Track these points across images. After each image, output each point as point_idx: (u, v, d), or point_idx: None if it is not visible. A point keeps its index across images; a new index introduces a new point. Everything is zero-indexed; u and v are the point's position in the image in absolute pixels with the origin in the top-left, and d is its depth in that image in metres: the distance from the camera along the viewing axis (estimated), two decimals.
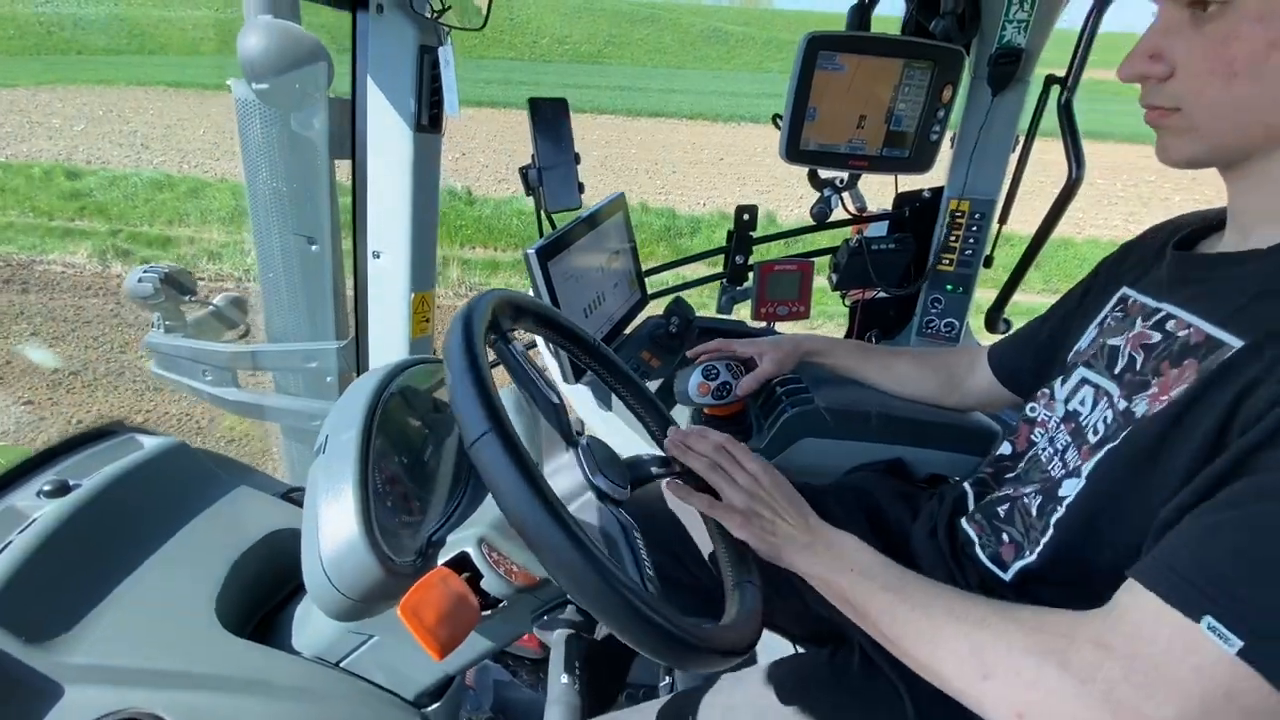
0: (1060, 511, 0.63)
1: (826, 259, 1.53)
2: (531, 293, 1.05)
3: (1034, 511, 0.66)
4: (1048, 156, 1.34)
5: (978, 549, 0.72)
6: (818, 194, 1.43)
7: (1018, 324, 1.00)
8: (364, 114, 1.14)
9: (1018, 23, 1.23)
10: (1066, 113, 1.24)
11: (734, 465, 0.69)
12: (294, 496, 0.81)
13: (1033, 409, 0.76)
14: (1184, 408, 0.54)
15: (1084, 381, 0.69)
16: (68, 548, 0.60)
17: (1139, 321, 0.65)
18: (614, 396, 1.12)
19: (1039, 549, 0.64)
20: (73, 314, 4.24)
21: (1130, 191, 9.43)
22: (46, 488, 0.64)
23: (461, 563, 0.53)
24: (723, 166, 10.47)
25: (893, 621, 0.56)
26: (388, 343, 1.30)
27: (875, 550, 0.62)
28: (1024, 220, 1.44)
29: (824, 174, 1.41)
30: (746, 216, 1.47)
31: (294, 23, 1.18)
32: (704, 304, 1.54)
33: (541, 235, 1.09)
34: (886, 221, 1.54)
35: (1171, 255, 0.67)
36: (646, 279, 1.43)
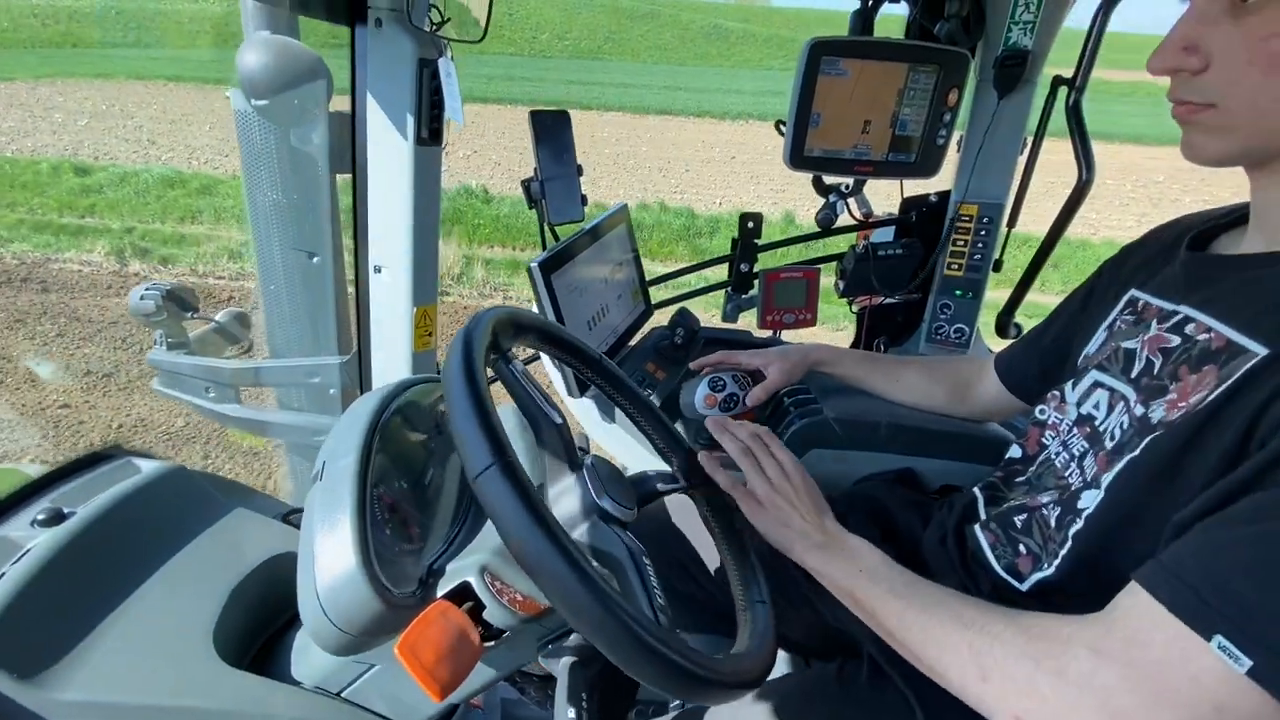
0: (1079, 524, 0.61)
1: (833, 265, 1.51)
2: (535, 307, 1.04)
3: (1053, 523, 0.65)
4: (1057, 158, 1.32)
5: (990, 558, 0.70)
6: (823, 200, 1.41)
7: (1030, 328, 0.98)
8: (364, 128, 1.13)
9: (1023, 24, 1.21)
10: (1075, 114, 1.22)
11: (765, 454, 0.72)
12: (294, 519, 0.80)
13: (1042, 411, 0.74)
14: (1205, 419, 0.52)
15: (1097, 385, 0.67)
16: (62, 579, 0.59)
17: (1155, 324, 0.63)
18: (615, 410, 1.11)
19: (1057, 561, 0.63)
20: (97, 314, 4.19)
21: (1141, 193, 9.40)
22: (41, 516, 0.63)
23: (463, 593, 0.51)
24: (735, 165, 10.46)
25: (899, 624, 0.57)
26: (390, 358, 1.28)
27: (886, 555, 0.63)
28: (1038, 222, 1.42)
29: (829, 179, 1.39)
30: (751, 224, 1.45)
31: (293, 38, 1.18)
32: (716, 310, 1.53)
33: (545, 248, 1.07)
34: (893, 227, 1.52)
35: (1186, 256, 0.65)
36: (651, 289, 1.42)
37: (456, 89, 1.02)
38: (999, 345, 1.05)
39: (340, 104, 1.15)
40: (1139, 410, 0.60)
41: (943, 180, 1.40)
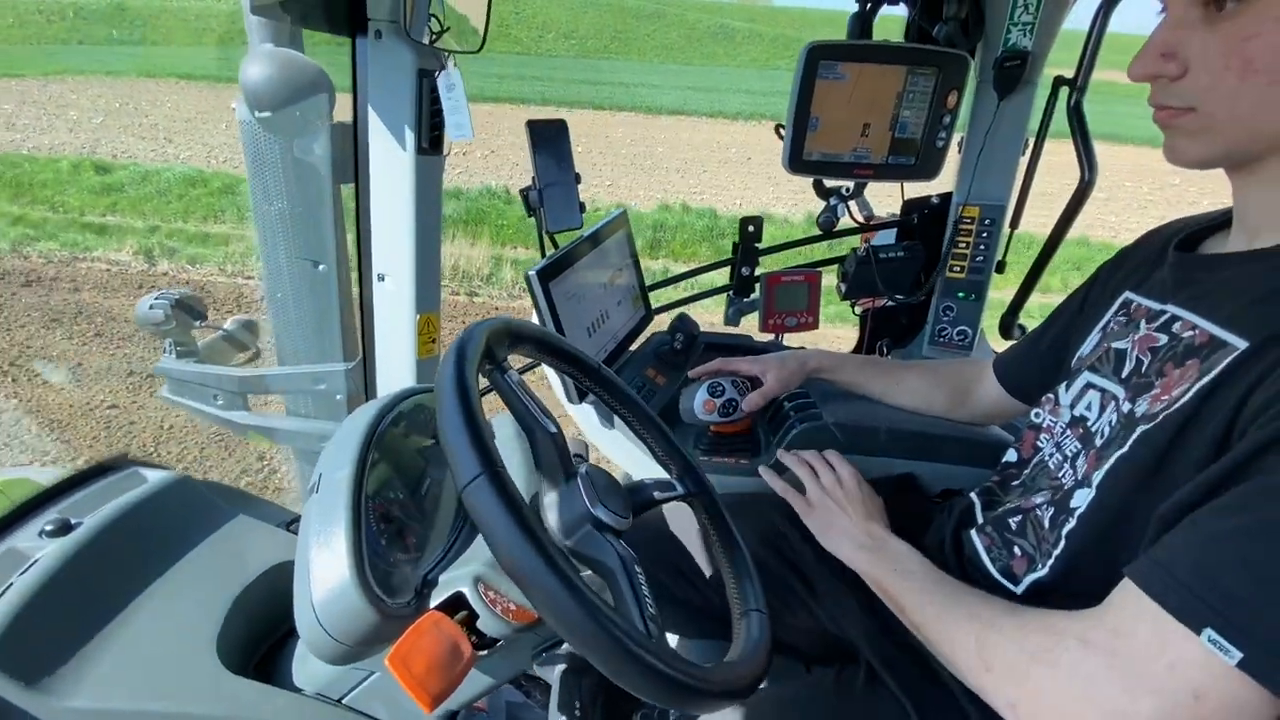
0: (1072, 523, 0.62)
1: (835, 268, 1.51)
2: (535, 315, 1.04)
3: (1046, 524, 0.65)
4: (1057, 158, 1.31)
5: (986, 561, 0.71)
6: (824, 203, 1.41)
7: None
8: (365, 138, 1.14)
9: (1023, 25, 1.20)
10: (1077, 114, 1.21)
11: (823, 466, 0.85)
12: (296, 527, 0.81)
13: (1038, 415, 0.75)
14: (1189, 414, 0.53)
15: (1089, 386, 0.68)
16: (69, 589, 0.60)
17: (1144, 324, 0.65)
18: (614, 417, 1.11)
19: (1051, 561, 0.64)
20: (132, 313, 4.22)
21: (1158, 195, 9.34)
22: (48, 527, 0.64)
23: (456, 603, 0.52)
24: (751, 166, 10.45)
25: (921, 619, 0.63)
26: (395, 364, 1.30)
27: (923, 557, 0.70)
28: (1043, 224, 1.41)
29: (830, 183, 1.39)
30: (751, 228, 1.45)
31: (297, 50, 1.19)
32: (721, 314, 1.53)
33: (544, 256, 1.08)
34: (895, 229, 1.52)
35: (1174, 256, 0.66)
36: (654, 293, 1.42)
37: (462, 103, 1.03)
38: (1003, 347, 1.05)
39: (344, 114, 1.17)
40: (1126, 407, 0.61)
41: (944, 182, 1.39)
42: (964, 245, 1.40)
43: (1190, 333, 0.58)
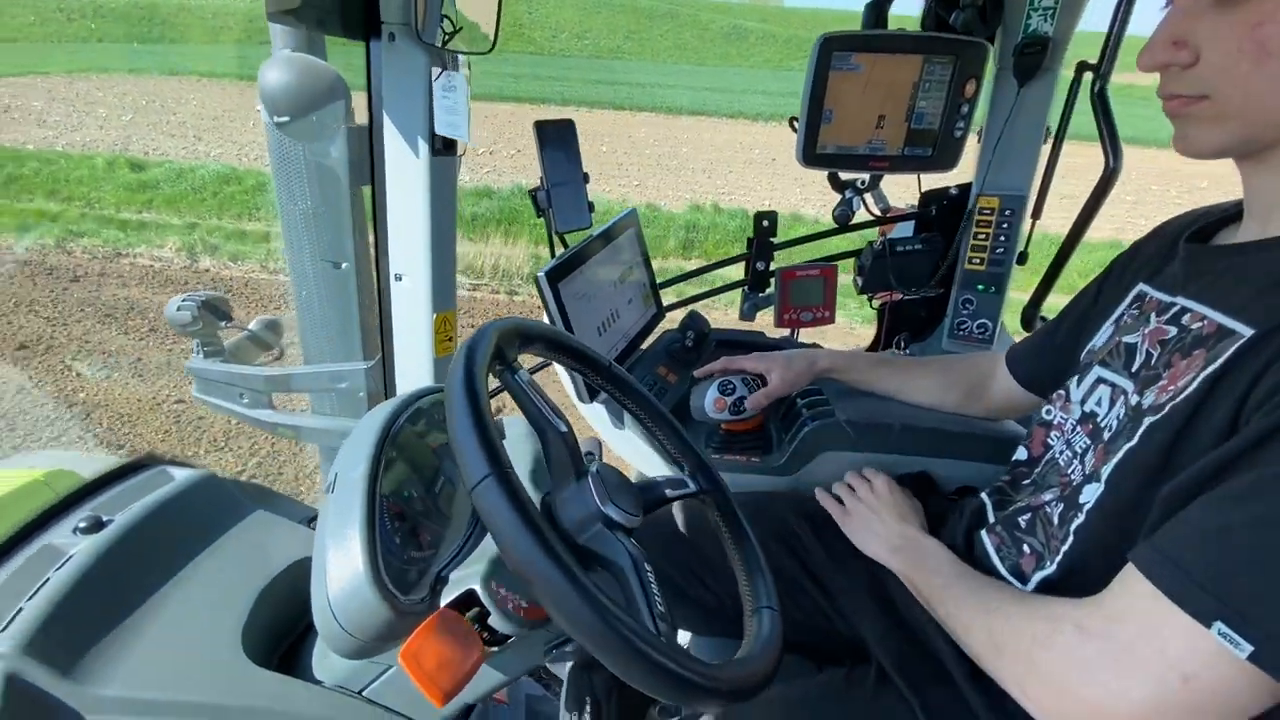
0: (1080, 518, 0.62)
1: (851, 262, 1.49)
2: (545, 315, 1.05)
3: (1055, 520, 0.65)
4: (1080, 160, 1.28)
5: (995, 560, 0.71)
6: (839, 196, 1.39)
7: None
8: (381, 140, 1.16)
9: (1044, 10, 1.17)
10: (1101, 101, 1.18)
11: (860, 481, 0.90)
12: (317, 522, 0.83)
13: (1048, 412, 0.75)
14: (1196, 404, 0.53)
15: (1100, 380, 0.68)
16: (101, 583, 0.63)
17: (1154, 317, 0.64)
18: (624, 414, 1.12)
19: (1059, 558, 0.64)
20: None
21: (1187, 199, 9.14)
22: (82, 524, 0.67)
23: (468, 600, 0.53)
24: (777, 167, 10.38)
25: (947, 613, 0.66)
26: (413, 362, 1.32)
27: (952, 555, 0.73)
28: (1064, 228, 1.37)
29: (845, 175, 1.38)
30: (766, 222, 1.44)
31: (319, 56, 1.21)
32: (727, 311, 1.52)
33: (553, 256, 1.09)
34: (913, 222, 1.49)
35: (1184, 249, 0.65)
36: (664, 291, 1.42)
37: (462, 104, 1.03)
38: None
39: (362, 115, 1.18)
40: (1134, 400, 0.61)
41: (962, 173, 1.37)
42: (983, 236, 1.37)
43: (1199, 324, 0.58)
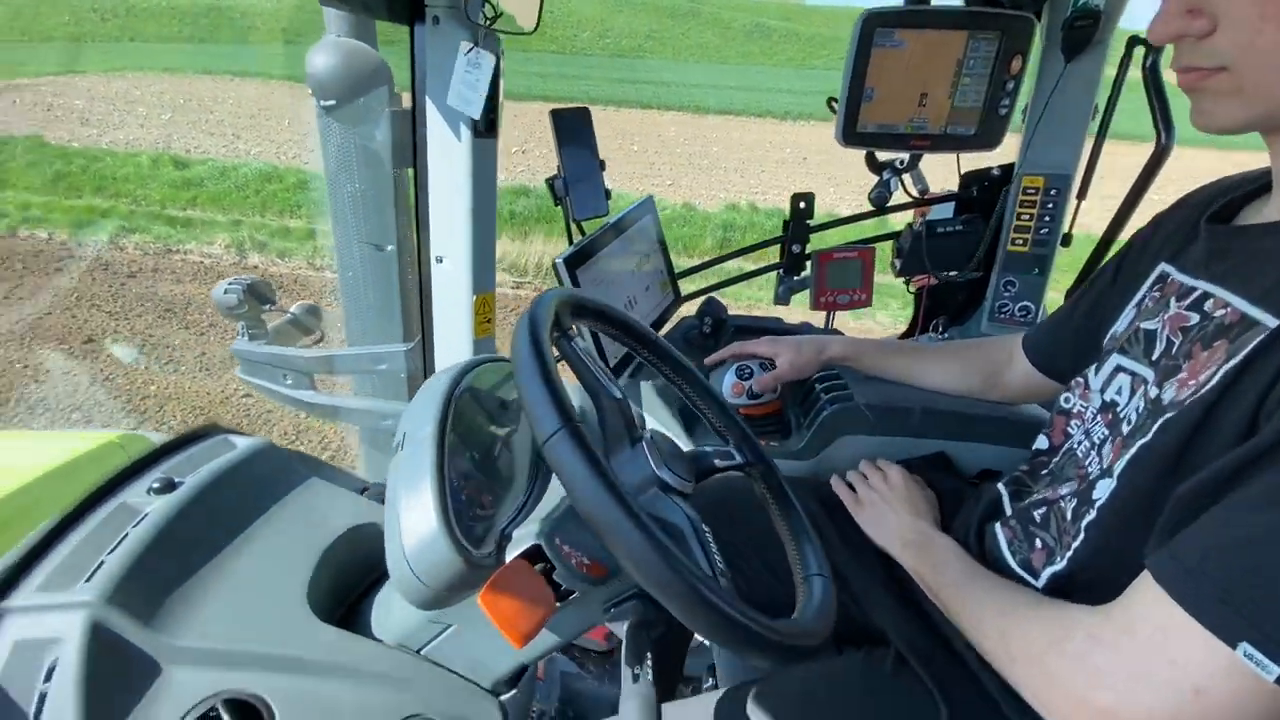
0: (1092, 514, 0.60)
1: (890, 244, 1.48)
2: None
3: (1069, 515, 0.63)
4: (1124, 159, 1.25)
5: (1006, 554, 0.70)
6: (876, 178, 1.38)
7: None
8: (424, 122, 1.18)
9: None
10: (1153, 75, 1.15)
11: (874, 471, 0.89)
12: (369, 493, 0.85)
13: (1068, 400, 0.72)
14: (1215, 398, 0.50)
15: (1119, 369, 0.65)
16: (174, 540, 0.65)
17: (1174, 302, 0.61)
18: (641, 394, 1.12)
19: (1069, 554, 0.62)
20: None
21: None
22: (155, 485, 0.70)
23: (534, 556, 0.54)
24: (809, 166, 10.29)
25: (957, 612, 0.65)
26: (452, 344, 1.34)
27: (963, 552, 0.72)
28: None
29: (882, 156, 1.36)
30: (803, 204, 1.44)
31: (369, 42, 1.23)
32: (760, 297, 1.52)
33: (571, 243, 1.10)
34: (952, 203, 1.47)
35: (1206, 229, 0.62)
36: (687, 278, 1.43)
37: (484, 83, 1.04)
38: None
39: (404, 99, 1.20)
40: (1154, 392, 0.58)
41: (1004, 154, 1.35)
42: (1027, 217, 1.35)
43: (1222, 311, 0.55)
